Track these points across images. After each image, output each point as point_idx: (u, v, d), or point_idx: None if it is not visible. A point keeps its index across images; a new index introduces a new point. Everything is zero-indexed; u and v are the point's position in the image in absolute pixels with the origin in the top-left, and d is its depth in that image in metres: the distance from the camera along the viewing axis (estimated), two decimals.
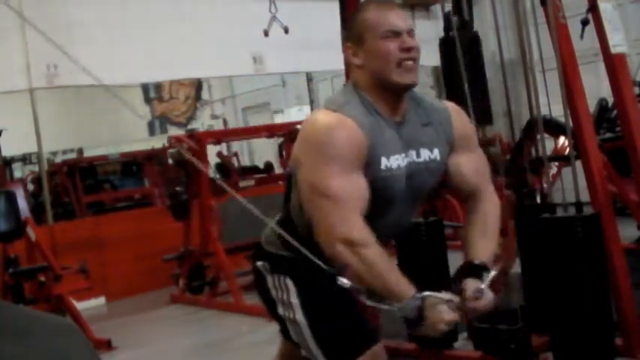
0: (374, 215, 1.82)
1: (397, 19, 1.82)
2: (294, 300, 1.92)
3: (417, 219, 3.48)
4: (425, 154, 1.89)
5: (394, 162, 1.82)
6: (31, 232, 4.96)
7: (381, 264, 1.73)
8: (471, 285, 1.85)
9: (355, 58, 1.86)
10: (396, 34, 1.80)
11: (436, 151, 1.91)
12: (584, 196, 2.95)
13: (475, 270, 1.88)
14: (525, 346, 3.01)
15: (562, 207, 2.98)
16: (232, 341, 4.49)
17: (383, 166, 1.80)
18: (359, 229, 1.73)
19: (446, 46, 3.35)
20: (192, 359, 4.40)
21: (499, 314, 3.10)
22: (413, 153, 1.87)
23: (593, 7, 3.11)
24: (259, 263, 2.02)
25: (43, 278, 4.82)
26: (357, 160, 1.76)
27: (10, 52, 5.33)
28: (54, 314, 0.96)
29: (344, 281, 1.72)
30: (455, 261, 3.51)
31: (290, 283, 1.93)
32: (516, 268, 3.32)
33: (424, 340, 3.47)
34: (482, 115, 3.26)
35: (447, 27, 3.38)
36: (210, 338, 4.68)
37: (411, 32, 1.83)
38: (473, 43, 3.36)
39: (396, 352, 3.60)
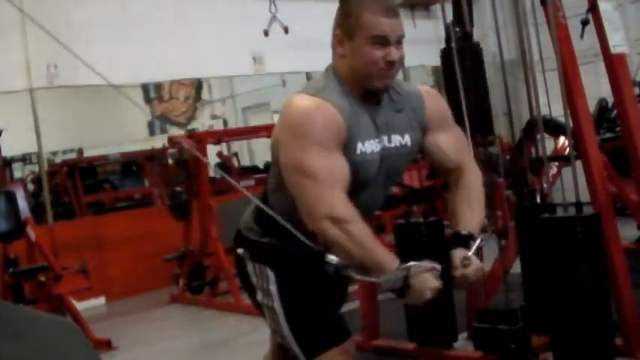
0: (350, 196, 1.87)
1: (390, 27, 1.84)
2: (272, 287, 1.98)
3: (417, 219, 3.49)
4: (396, 140, 1.94)
5: (368, 147, 1.87)
6: (31, 232, 4.96)
7: (367, 238, 1.77)
8: (458, 254, 1.91)
9: (340, 47, 1.88)
10: (386, 42, 1.83)
11: (407, 137, 1.96)
12: (584, 196, 2.94)
13: (462, 239, 1.95)
14: (525, 346, 3.01)
15: (562, 207, 2.98)
16: (232, 341, 4.49)
17: (358, 151, 1.85)
18: (343, 206, 1.77)
19: (447, 57, 3.35)
20: (192, 359, 4.40)
21: (499, 314, 3.10)
22: (385, 138, 1.92)
23: (593, 7, 3.11)
24: (240, 250, 2.07)
25: (43, 278, 4.82)
26: (335, 141, 1.80)
27: (10, 52, 5.33)
28: (54, 314, 0.96)
29: (331, 258, 1.76)
30: None
31: (269, 271, 1.99)
32: (516, 268, 3.32)
33: (423, 337, 3.47)
34: (483, 126, 3.26)
35: (448, 37, 3.37)
36: (210, 338, 4.68)
37: (400, 41, 1.87)
38: (474, 55, 3.35)
39: (396, 352, 3.61)
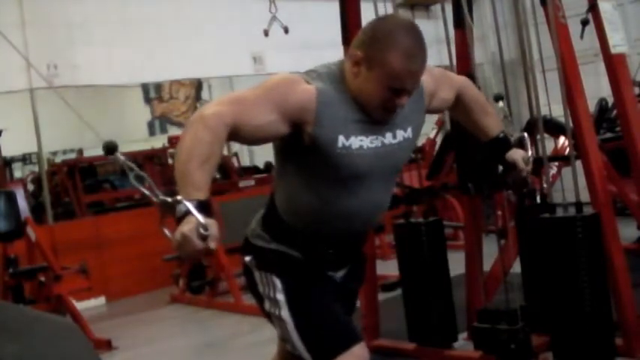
0: (347, 192, 1.88)
1: (412, 80, 1.81)
2: (280, 296, 1.94)
3: (417, 219, 3.49)
4: (400, 135, 1.93)
5: (355, 142, 1.83)
6: (31, 232, 4.96)
7: (199, 145, 1.66)
8: (517, 155, 2.21)
9: (355, 67, 1.82)
10: (401, 93, 1.81)
11: (409, 129, 1.96)
12: (584, 196, 2.94)
13: (505, 142, 2.22)
14: (525, 346, 3.01)
15: (562, 207, 2.97)
16: (232, 341, 4.49)
17: (339, 144, 1.81)
18: (216, 113, 1.70)
19: None
20: (192, 359, 4.40)
21: (499, 314, 3.10)
22: (389, 135, 1.90)
23: (593, 7, 3.11)
24: (247, 258, 2.04)
25: (43, 278, 4.82)
26: (282, 108, 1.77)
27: (10, 52, 5.33)
28: (54, 314, 0.96)
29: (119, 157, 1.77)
30: (455, 261, 3.53)
31: (276, 279, 1.95)
32: (516, 268, 3.32)
33: (423, 337, 3.47)
34: (488, 179, 3.24)
35: None
36: (210, 338, 4.68)
37: (414, 90, 1.85)
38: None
39: (396, 352, 3.60)
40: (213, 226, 1.62)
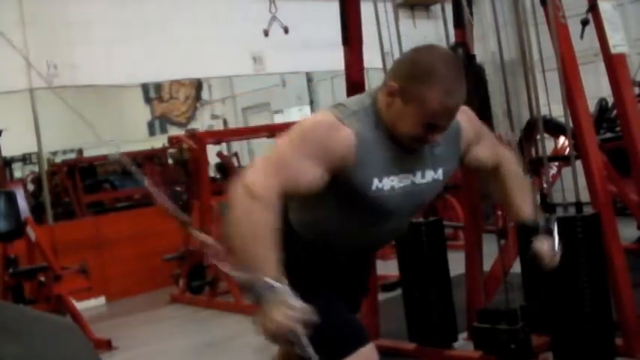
0: (370, 224, 1.88)
1: (448, 118, 1.76)
2: None
3: (417, 219, 3.49)
4: (429, 176, 1.89)
5: (387, 183, 1.81)
6: (31, 232, 4.96)
7: (263, 229, 1.62)
8: (543, 245, 2.08)
9: (390, 97, 1.77)
10: (435, 129, 1.76)
11: (440, 171, 1.91)
12: (584, 196, 2.94)
13: (533, 229, 2.10)
14: (525, 346, 3.01)
15: (562, 207, 2.98)
16: (232, 341, 4.49)
17: (374, 187, 1.79)
18: (266, 188, 1.64)
19: None
20: (192, 359, 4.40)
21: (499, 314, 3.10)
22: (418, 174, 1.87)
23: (593, 7, 3.11)
24: None
25: (43, 278, 4.82)
26: (326, 163, 1.72)
27: (10, 52, 5.33)
28: (54, 314, 0.96)
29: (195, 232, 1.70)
30: (455, 261, 3.53)
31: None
32: (516, 268, 3.32)
33: (423, 337, 3.47)
34: None
35: None
36: (210, 338, 4.68)
37: (447, 126, 1.80)
38: (478, 79, 3.29)
39: (396, 352, 3.60)
40: (303, 307, 1.60)
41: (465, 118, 1.96)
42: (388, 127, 1.78)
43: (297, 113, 10.04)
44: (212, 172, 7.73)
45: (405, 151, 1.82)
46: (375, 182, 1.79)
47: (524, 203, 2.13)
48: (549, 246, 2.08)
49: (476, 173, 2.16)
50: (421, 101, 1.71)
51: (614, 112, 4.89)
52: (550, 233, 2.10)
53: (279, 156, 1.73)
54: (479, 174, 2.21)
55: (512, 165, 2.14)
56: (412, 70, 1.74)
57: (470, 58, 3.26)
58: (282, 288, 1.60)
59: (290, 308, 1.58)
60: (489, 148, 2.07)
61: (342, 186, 1.78)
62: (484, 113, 3.21)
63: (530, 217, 2.13)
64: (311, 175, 1.71)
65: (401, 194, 1.85)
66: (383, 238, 1.98)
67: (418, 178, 1.87)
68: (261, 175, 1.67)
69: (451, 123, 1.80)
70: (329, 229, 1.92)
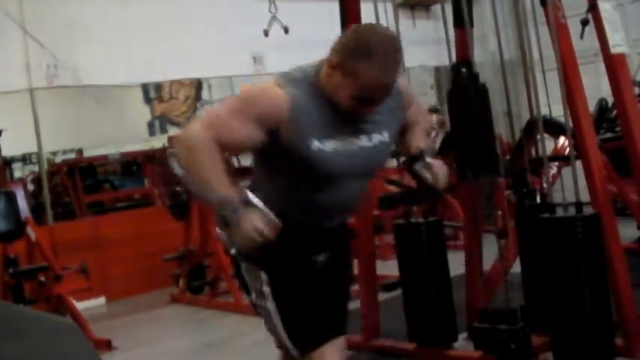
0: (321, 188, 1.96)
1: (382, 95, 1.89)
2: (265, 288, 2.02)
3: (417, 219, 3.49)
4: (376, 139, 2.00)
5: (328, 145, 1.90)
6: (31, 232, 4.96)
7: (209, 159, 1.82)
8: (418, 166, 2.11)
9: (331, 69, 1.88)
10: (370, 103, 1.89)
11: (386, 134, 2.02)
12: (584, 196, 2.94)
13: (415, 157, 2.14)
14: (525, 346, 3.01)
15: (562, 207, 2.98)
16: (232, 341, 4.49)
17: (313, 147, 1.89)
18: (203, 137, 1.82)
19: (453, 97, 3.30)
20: (192, 359, 4.40)
21: (499, 314, 3.10)
22: (364, 138, 1.97)
23: (593, 7, 3.11)
24: (233, 251, 2.09)
25: (43, 278, 4.82)
26: (256, 118, 1.85)
27: (10, 52, 5.34)
28: (54, 314, 0.96)
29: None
30: (455, 261, 3.53)
31: (261, 272, 2.02)
32: (516, 268, 3.32)
33: (423, 337, 3.47)
34: (487, 167, 3.21)
35: (455, 78, 3.27)
36: (210, 338, 4.68)
37: (383, 101, 1.92)
38: (481, 97, 3.23)
39: (396, 352, 3.60)
40: (266, 210, 1.84)
41: (405, 87, 2.11)
42: (329, 96, 1.90)
43: None
44: None
45: (348, 116, 1.92)
46: (315, 143, 1.89)
47: (415, 140, 2.19)
48: (424, 166, 2.13)
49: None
50: (358, 76, 1.82)
51: (614, 112, 4.90)
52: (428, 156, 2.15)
53: (212, 113, 1.93)
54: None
55: (422, 118, 2.28)
56: (352, 47, 1.85)
57: (474, 77, 3.21)
58: (248, 199, 1.83)
59: (259, 211, 1.83)
60: (415, 109, 2.21)
61: (286, 151, 1.90)
62: (487, 137, 3.19)
63: (417, 149, 2.17)
64: (245, 131, 1.86)
65: (347, 156, 1.94)
66: (346, 200, 2.05)
67: (364, 142, 1.97)
68: (197, 126, 1.86)
69: (387, 98, 1.91)
70: (293, 197, 2.00)
